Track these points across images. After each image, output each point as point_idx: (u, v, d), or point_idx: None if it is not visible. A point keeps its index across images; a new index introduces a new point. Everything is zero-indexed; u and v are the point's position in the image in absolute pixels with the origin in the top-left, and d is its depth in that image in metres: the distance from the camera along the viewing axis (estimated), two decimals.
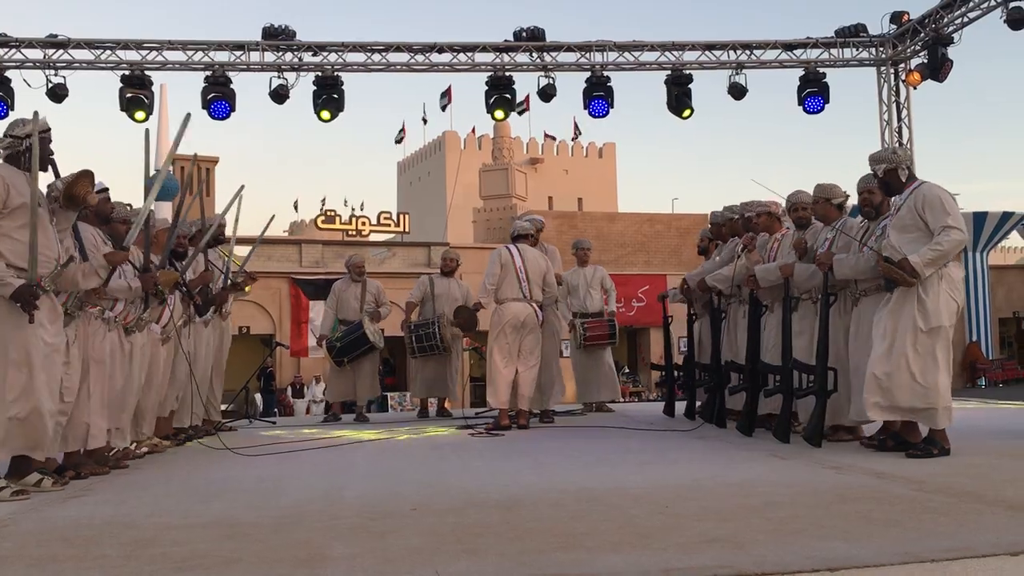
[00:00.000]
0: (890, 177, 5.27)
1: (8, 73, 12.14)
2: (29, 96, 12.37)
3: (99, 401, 5.16)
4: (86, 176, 4.78)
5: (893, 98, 13.77)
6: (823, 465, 4.82)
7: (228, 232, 8.06)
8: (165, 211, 13.14)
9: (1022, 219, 31.13)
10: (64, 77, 12.35)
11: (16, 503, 4.20)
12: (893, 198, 5.39)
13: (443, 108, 41.12)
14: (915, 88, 13.38)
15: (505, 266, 7.79)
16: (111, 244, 5.45)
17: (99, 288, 4.92)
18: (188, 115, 5.79)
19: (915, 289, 4.95)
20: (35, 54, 12.33)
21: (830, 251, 5.72)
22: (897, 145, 13.42)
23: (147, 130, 5.63)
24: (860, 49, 13.63)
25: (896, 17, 13.26)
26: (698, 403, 7.83)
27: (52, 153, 4.67)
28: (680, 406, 8.32)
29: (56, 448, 4.81)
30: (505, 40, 13.25)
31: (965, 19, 12.28)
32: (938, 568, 2.59)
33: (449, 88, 40.91)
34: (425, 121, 49.09)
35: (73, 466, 5.02)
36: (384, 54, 13.20)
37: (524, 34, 13.18)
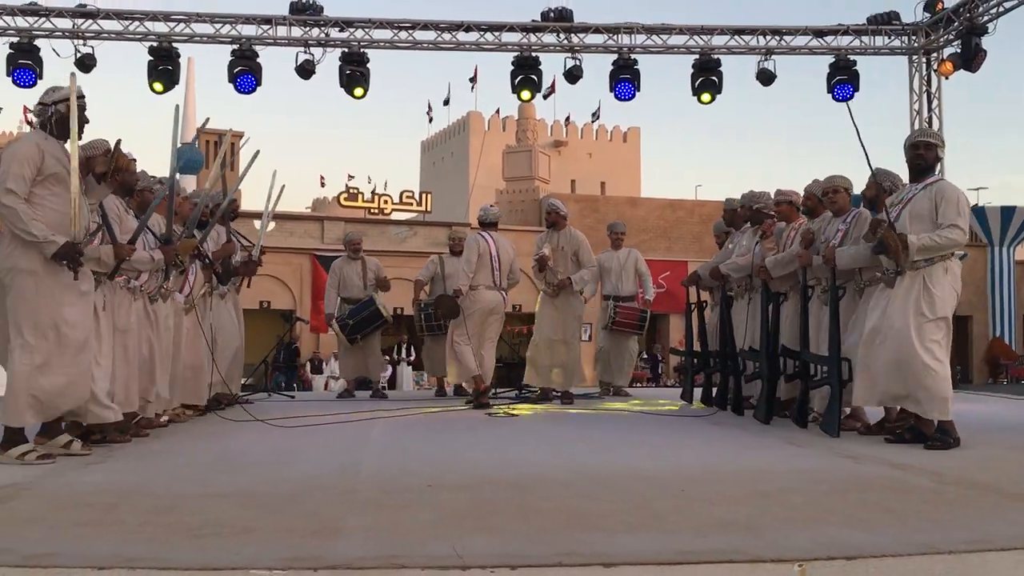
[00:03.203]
0: (930, 155, 5.30)
1: (37, 42, 12.23)
2: (58, 66, 12.45)
3: (125, 369, 5.21)
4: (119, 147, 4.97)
5: (924, 88, 13.60)
6: (839, 454, 4.80)
7: (242, 200, 8.07)
8: (191, 185, 13.20)
9: None
10: (92, 47, 12.43)
11: (40, 467, 4.26)
12: (906, 186, 5.41)
13: (471, 88, 40.85)
14: (947, 78, 13.21)
15: (481, 255, 8.07)
16: (134, 214, 5.52)
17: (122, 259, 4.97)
18: (257, 152, 6.59)
19: (920, 279, 5.01)
20: (64, 23, 12.41)
21: (832, 245, 5.75)
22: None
23: (177, 106, 5.75)
24: (892, 37, 13.46)
25: (930, 5, 13.08)
26: (713, 390, 7.82)
27: (87, 121, 4.72)
28: (698, 392, 8.31)
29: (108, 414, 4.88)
30: (533, 20, 13.19)
31: (1000, 8, 12.09)
32: (956, 560, 2.56)
33: (475, 68, 40.70)
34: (447, 102, 48.64)
35: (98, 431, 5.07)
36: (411, 32, 13.18)
37: (552, 15, 13.12)
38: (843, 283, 5.81)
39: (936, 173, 5.36)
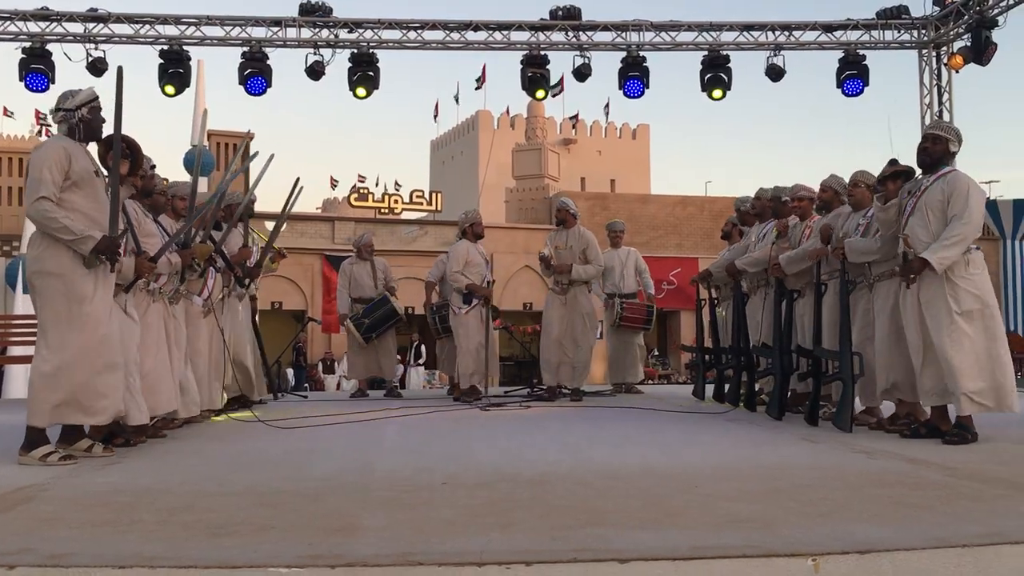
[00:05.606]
0: (937, 148, 5.23)
1: (49, 47, 12.31)
2: (69, 70, 12.52)
3: (145, 371, 5.23)
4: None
5: (935, 82, 13.55)
6: (853, 450, 4.80)
7: (258, 198, 8.03)
8: (202, 186, 13.24)
9: None
10: (104, 51, 12.49)
11: (59, 468, 4.30)
12: (919, 178, 5.33)
13: (478, 87, 40.88)
14: (957, 72, 13.15)
15: None
16: (152, 217, 5.59)
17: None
18: (272, 156, 6.65)
19: (943, 273, 4.94)
20: (76, 28, 12.47)
21: (843, 238, 5.77)
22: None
23: (205, 109, 5.81)
24: (902, 31, 13.42)
25: None
26: (726, 386, 7.83)
27: (104, 121, 4.78)
28: (710, 389, 8.32)
29: (139, 415, 4.92)
30: (541, 19, 13.20)
31: (1010, 1, 12.03)
32: (970, 553, 2.57)
33: (483, 67, 40.69)
34: (457, 101, 48.74)
35: (121, 433, 5.11)
36: (420, 32, 13.19)
37: (560, 12, 13.12)
38: (854, 277, 5.80)
39: (950, 166, 5.29)
